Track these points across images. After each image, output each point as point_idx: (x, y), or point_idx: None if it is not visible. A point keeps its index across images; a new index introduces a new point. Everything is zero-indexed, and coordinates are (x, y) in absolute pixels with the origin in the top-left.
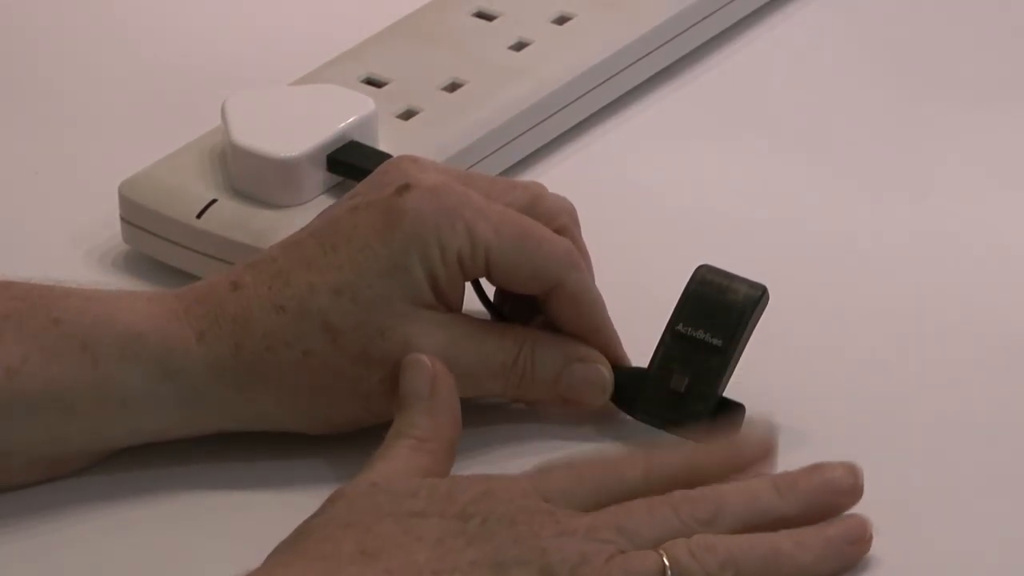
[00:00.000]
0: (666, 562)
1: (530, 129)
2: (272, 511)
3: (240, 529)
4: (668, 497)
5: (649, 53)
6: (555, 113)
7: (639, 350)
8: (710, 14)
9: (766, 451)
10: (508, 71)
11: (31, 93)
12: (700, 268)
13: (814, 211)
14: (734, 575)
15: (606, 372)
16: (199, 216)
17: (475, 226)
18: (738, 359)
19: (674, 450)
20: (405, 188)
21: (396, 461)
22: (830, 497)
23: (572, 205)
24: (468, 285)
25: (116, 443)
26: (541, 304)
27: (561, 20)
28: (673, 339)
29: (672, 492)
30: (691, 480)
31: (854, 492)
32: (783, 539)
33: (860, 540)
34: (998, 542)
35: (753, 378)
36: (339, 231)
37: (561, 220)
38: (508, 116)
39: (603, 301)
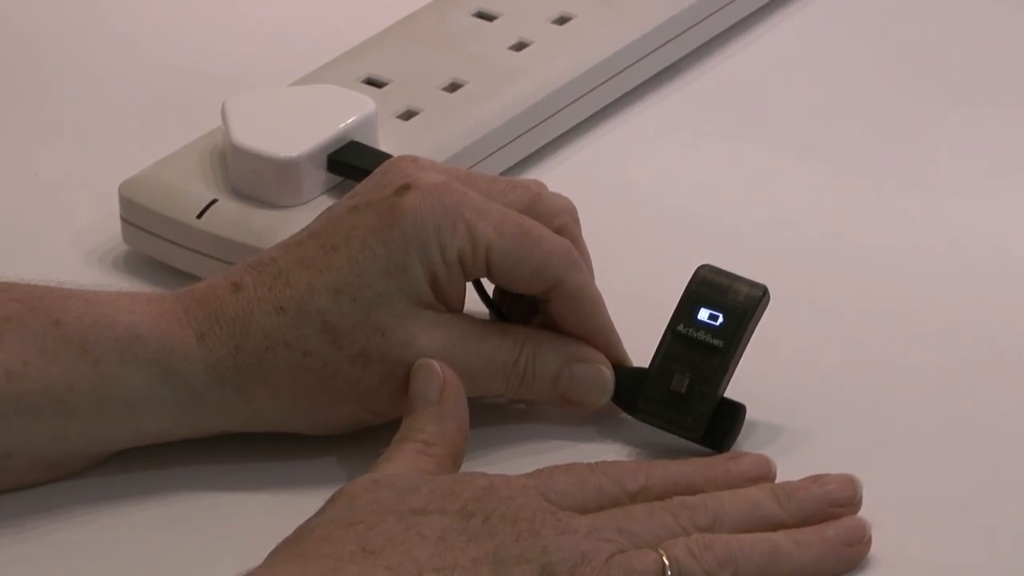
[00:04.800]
0: (665, 561)
1: (530, 129)
2: (272, 511)
3: (240, 529)
4: (668, 503)
5: (649, 53)
6: (555, 113)
7: (640, 350)
8: (710, 14)
9: (766, 470)
10: (508, 71)
11: (31, 93)
12: (701, 268)
13: (814, 211)
14: (733, 574)
15: (607, 372)
16: (199, 216)
17: (476, 226)
18: (739, 359)
19: (675, 463)
20: (405, 188)
21: (399, 463)
22: (828, 508)
23: (572, 204)
24: (469, 285)
25: (116, 444)
26: (541, 304)
27: (561, 20)
28: (674, 339)
29: (672, 498)
30: (690, 492)
31: (853, 504)
32: (782, 538)
33: (859, 542)
34: (998, 543)
35: (754, 378)
36: (339, 231)
37: (561, 219)
38: (508, 116)
39: (603, 301)
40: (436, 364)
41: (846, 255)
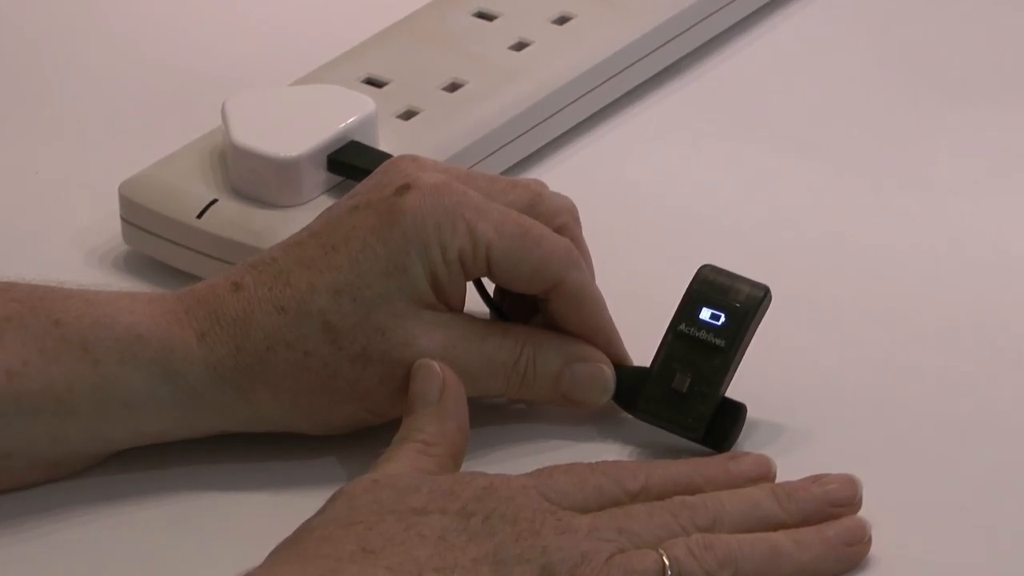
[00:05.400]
0: (666, 561)
1: (530, 129)
2: (272, 511)
3: (240, 529)
4: (668, 503)
5: (649, 53)
6: (555, 113)
7: (641, 350)
8: (710, 14)
9: (766, 470)
10: (508, 71)
11: (31, 93)
12: (703, 268)
13: (814, 211)
14: (733, 574)
15: (608, 372)
16: (199, 216)
17: (476, 225)
18: (740, 359)
19: (675, 463)
20: (405, 188)
21: (399, 463)
22: (829, 508)
23: (573, 203)
24: (470, 285)
25: (117, 444)
26: (542, 303)
27: (561, 20)
28: (675, 339)
29: (672, 498)
30: (691, 492)
31: (852, 504)
32: (782, 538)
33: (859, 542)
34: (998, 543)
35: (754, 378)
36: (339, 231)
37: (562, 219)
38: (508, 116)
39: (604, 300)
40: (436, 364)
41: (846, 255)
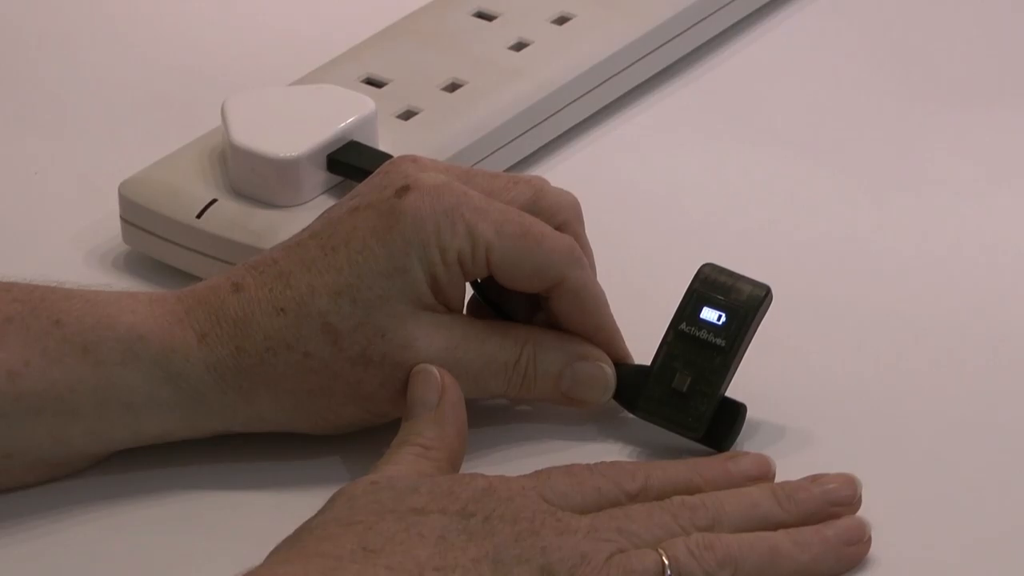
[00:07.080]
0: (665, 561)
1: (530, 129)
2: (272, 511)
3: (240, 529)
4: (667, 503)
5: (649, 53)
6: (555, 113)
7: (642, 349)
8: (710, 14)
9: (765, 470)
10: (508, 71)
11: (31, 93)
12: (704, 267)
13: (814, 211)
14: (732, 574)
15: (608, 370)
16: (199, 216)
17: (476, 226)
18: (740, 359)
19: (674, 464)
20: (405, 189)
21: (399, 466)
22: (828, 508)
23: (575, 199)
24: (468, 284)
25: (117, 444)
26: (543, 302)
27: (561, 20)
28: (676, 338)
29: (671, 498)
30: (690, 492)
31: (852, 503)
32: (782, 538)
33: (859, 541)
34: (998, 543)
35: (754, 378)
36: (339, 232)
37: (564, 215)
38: (508, 116)
39: (605, 298)
40: (434, 369)
41: (846, 255)
